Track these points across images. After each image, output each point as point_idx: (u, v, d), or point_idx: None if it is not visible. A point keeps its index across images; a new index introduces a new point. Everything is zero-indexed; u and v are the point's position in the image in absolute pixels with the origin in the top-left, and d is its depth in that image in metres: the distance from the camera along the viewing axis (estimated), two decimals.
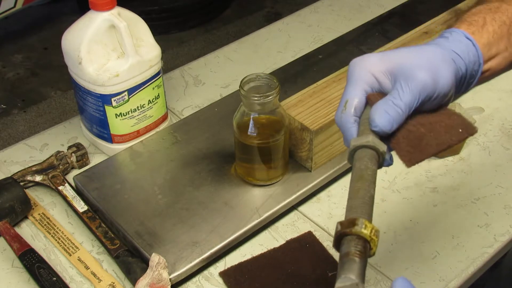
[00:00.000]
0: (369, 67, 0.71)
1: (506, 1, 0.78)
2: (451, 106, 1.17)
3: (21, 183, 1.06)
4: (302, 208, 1.07)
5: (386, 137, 0.68)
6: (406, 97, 0.67)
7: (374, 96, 0.70)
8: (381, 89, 0.71)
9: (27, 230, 1.04)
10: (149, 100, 1.14)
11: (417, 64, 0.69)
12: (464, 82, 0.74)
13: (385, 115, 0.67)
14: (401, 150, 0.67)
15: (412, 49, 0.72)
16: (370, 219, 0.61)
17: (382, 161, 0.67)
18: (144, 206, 1.03)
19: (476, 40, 0.74)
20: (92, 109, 1.12)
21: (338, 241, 0.60)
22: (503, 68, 0.78)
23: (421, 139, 0.67)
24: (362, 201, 0.62)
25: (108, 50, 1.08)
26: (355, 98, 0.70)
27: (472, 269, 0.97)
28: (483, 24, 0.75)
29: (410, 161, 0.67)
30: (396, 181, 1.11)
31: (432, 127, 0.68)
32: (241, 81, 1.00)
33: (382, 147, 0.66)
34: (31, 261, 0.95)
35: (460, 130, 0.68)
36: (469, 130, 0.68)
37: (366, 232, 0.59)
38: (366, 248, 0.59)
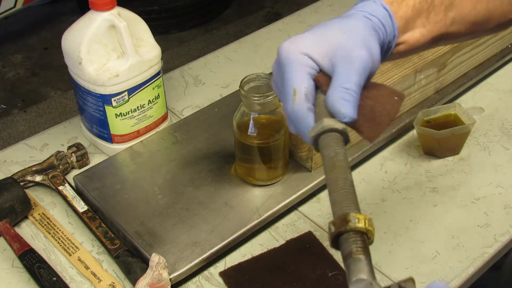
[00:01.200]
0: (305, 50, 0.67)
1: None
2: (451, 105, 1.17)
3: (21, 183, 1.06)
4: (302, 208, 1.07)
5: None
6: (354, 79, 0.66)
7: (322, 77, 0.67)
8: (321, 70, 0.68)
9: (27, 230, 1.04)
10: (149, 100, 1.14)
11: (353, 43, 0.67)
12: (381, 53, 0.72)
13: (347, 103, 0.65)
14: (360, 127, 0.67)
15: (341, 25, 0.69)
16: (358, 209, 0.60)
17: (347, 139, 0.65)
18: (144, 206, 1.03)
19: (393, 11, 0.72)
20: (92, 109, 1.12)
21: (335, 241, 0.60)
22: (420, 45, 0.75)
23: (374, 112, 0.66)
24: (344, 192, 0.61)
25: (108, 50, 1.08)
26: (303, 84, 0.66)
27: (472, 269, 0.97)
28: None
29: (372, 137, 0.67)
30: (396, 181, 1.11)
31: (375, 98, 0.67)
32: (241, 81, 1.00)
33: (340, 125, 0.64)
34: (31, 261, 0.95)
35: (396, 98, 0.67)
36: (401, 95, 0.68)
37: (361, 225, 0.58)
38: (365, 241, 0.58)
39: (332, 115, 0.66)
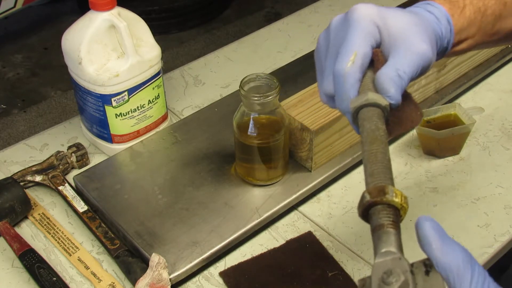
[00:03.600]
0: (376, 20, 0.66)
1: None
2: (451, 105, 1.17)
3: (21, 183, 1.06)
4: (302, 208, 1.07)
5: None
6: (410, 69, 0.65)
7: (379, 55, 0.67)
8: (379, 45, 0.67)
9: (27, 230, 1.04)
10: (149, 100, 1.14)
11: (419, 33, 0.67)
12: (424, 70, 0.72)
13: (396, 86, 0.64)
14: (393, 128, 0.67)
15: (411, 15, 0.69)
16: (393, 184, 0.58)
17: (388, 117, 0.64)
18: (144, 206, 1.03)
19: (454, 23, 0.72)
20: (92, 109, 1.12)
21: (366, 211, 0.57)
22: (464, 52, 0.77)
23: (401, 113, 0.67)
24: (383, 166, 0.59)
25: (108, 50, 1.08)
26: (365, 51, 0.65)
27: None
28: (462, 8, 0.73)
29: (392, 132, 0.66)
30: (396, 181, 1.10)
31: (406, 104, 0.67)
32: (241, 81, 1.00)
33: (384, 102, 0.63)
34: (31, 261, 0.95)
35: (418, 113, 0.68)
36: (422, 114, 0.68)
37: (397, 200, 0.56)
38: (398, 217, 0.56)
39: (378, 91, 0.64)
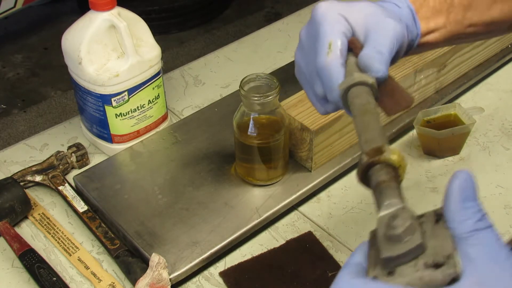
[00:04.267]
0: (342, 12, 0.69)
1: None
2: (451, 105, 1.17)
3: (21, 183, 1.06)
4: (302, 208, 1.07)
5: None
6: (388, 43, 0.67)
7: (357, 41, 0.69)
8: (352, 34, 0.69)
9: (27, 230, 1.04)
10: (149, 100, 1.14)
11: (387, 14, 0.70)
12: (403, 49, 0.74)
13: (380, 60, 0.66)
14: (382, 98, 0.68)
15: (373, 4, 0.72)
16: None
17: (376, 95, 0.65)
18: (144, 206, 1.03)
19: (416, 10, 0.74)
20: (92, 109, 1.12)
21: (365, 172, 0.57)
22: (441, 43, 0.77)
23: (394, 92, 0.68)
24: (377, 132, 0.60)
25: (108, 50, 1.08)
26: (338, 40, 0.67)
27: None
28: None
29: (391, 110, 0.68)
30: None
31: (396, 84, 0.69)
32: (241, 81, 1.00)
33: (371, 79, 0.65)
34: (31, 261, 0.95)
35: (409, 95, 0.69)
36: (412, 98, 0.70)
37: (395, 157, 0.56)
38: (398, 175, 0.56)
39: (363, 72, 0.66)
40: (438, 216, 0.52)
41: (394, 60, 0.71)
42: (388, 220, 0.52)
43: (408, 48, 0.75)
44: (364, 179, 0.57)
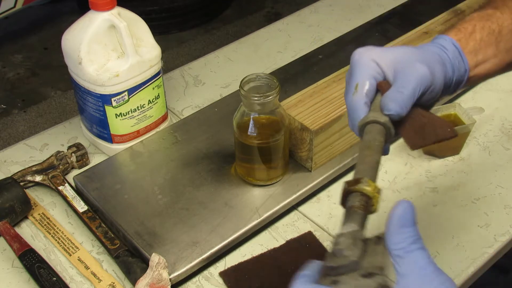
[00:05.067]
0: (374, 57, 0.74)
1: (499, 9, 0.80)
2: (451, 105, 1.17)
3: (21, 183, 1.06)
4: (302, 208, 1.07)
5: (395, 126, 0.73)
6: (409, 85, 0.72)
7: (385, 84, 0.74)
8: (385, 78, 0.75)
9: (27, 230, 1.04)
10: (149, 100, 1.14)
11: (416, 58, 0.74)
12: (451, 85, 0.78)
13: (395, 100, 0.71)
14: (407, 135, 0.74)
15: (410, 47, 0.77)
16: (374, 180, 0.67)
17: (389, 133, 0.72)
18: (144, 206, 1.03)
19: (462, 46, 0.77)
20: (92, 109, 1.12)
21: (345, 198, 0.66)
22: (493, 73, 0.81)
23: (423, 128, 0.73)
24: (368, 166, 0.68)
25: (108, 50, 1.08)
26: (366, 82, 0.74)
27: (472, 269, 0.97)
28: (471, 32, 0.78)
29: (414, 145, 0.73)
30: (396, 181, 1.11)
31: (430, 119, 0.74)
32: (241, 81, 1.00)
33: (384, 118, 0.72)
34: (31, 261, 0.95)
35: (449, 130, 0.73)
36: (453, 132, 0.74)
37: (368, 189, 0.64)
38: (369, 203, 0.65)
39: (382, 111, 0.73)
40: (380, 239, 0.62)
41: (431, 99, 0.76)
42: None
43: (457, 84, 0.78)
44: (344, 202, 0.66)
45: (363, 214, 0.64)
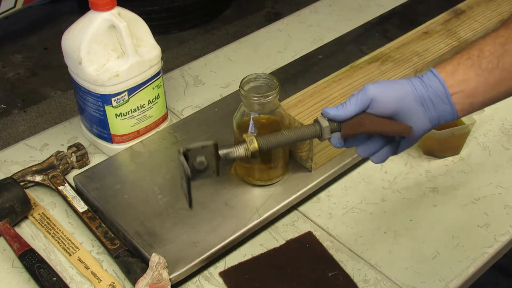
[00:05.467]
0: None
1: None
2: None
3: (21, 183, 1.06)
4: (302, 208, 1.07)
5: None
6: (351, 99, 0.81)
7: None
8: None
9: (27, 230, 1.04)
10: (149, 100, 1.14)
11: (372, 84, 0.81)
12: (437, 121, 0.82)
13: (335, 107, 0.82)
14: (343, 129, 0.82)
15: (396, 84, 0.82)
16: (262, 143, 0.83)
17: (320, 130, 0.83)
18: (144, 206, 1.03)
19: (445, 79, 0.79)
20: (92, 109, 1.12)
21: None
22: (484, 93, 0.80)
23: (359, 125, 0.81)
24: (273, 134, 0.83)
25: (108, 50, 1.08)
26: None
27: (472, 269, 0.97)
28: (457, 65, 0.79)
29: (343, 134, 0.82)
30: (396, 181, 1.11)
31: (375, 120, 0.81)
32: (241, 81, 1.00)
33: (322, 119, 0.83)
34: (31, 261, 0.95)
35: (400, 127, 0.80)
36: (408, 130, 0.80)
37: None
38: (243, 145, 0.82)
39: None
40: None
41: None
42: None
43: (443, 100, 0.80)
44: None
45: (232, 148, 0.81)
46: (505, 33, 0.74)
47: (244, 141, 0.82)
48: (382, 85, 0.81)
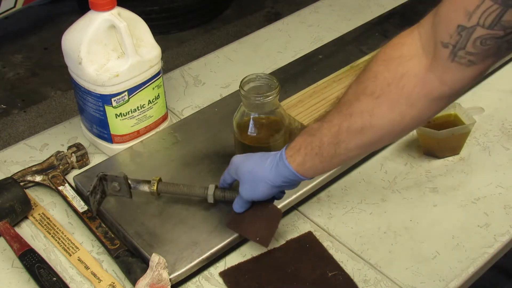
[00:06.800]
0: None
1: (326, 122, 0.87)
2: (451, 105, 1.17)
3: (21, 183, 1.06)
4: (302, 208, 1.07)
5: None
6: (243, 197, 0.94)
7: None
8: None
9: (27, 230, 1.04)
10: (149, 100, 1.14)
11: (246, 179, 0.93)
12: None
13: (237, 206, 0.97)
14: (229, 224, 0.97)
15: (255, 161, 0.92)
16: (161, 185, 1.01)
17: (206, 195, 1.01)
18: (144, 206, 1.03)
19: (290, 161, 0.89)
20: (92, 109, 1.12)
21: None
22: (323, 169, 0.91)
23: (241, 222, 0.96)
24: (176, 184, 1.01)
25: (108, 50, 1.08)
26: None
27: (472, 269, 0.97)
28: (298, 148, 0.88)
29: (228, 225, 0.97)
30: (396, 181, 1.11)
31: (253, 219, 0.96)
32: (241, 81, 1.00)
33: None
34: (31, 261, 0.94)
35: (260, 237, 0.95)
36: (265, 241, 0.96)
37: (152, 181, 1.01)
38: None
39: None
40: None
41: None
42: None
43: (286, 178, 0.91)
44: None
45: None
46: (339, 120, 0.83)
47: (149, 181, 1.01)
48: (244, 157, 0.94)
